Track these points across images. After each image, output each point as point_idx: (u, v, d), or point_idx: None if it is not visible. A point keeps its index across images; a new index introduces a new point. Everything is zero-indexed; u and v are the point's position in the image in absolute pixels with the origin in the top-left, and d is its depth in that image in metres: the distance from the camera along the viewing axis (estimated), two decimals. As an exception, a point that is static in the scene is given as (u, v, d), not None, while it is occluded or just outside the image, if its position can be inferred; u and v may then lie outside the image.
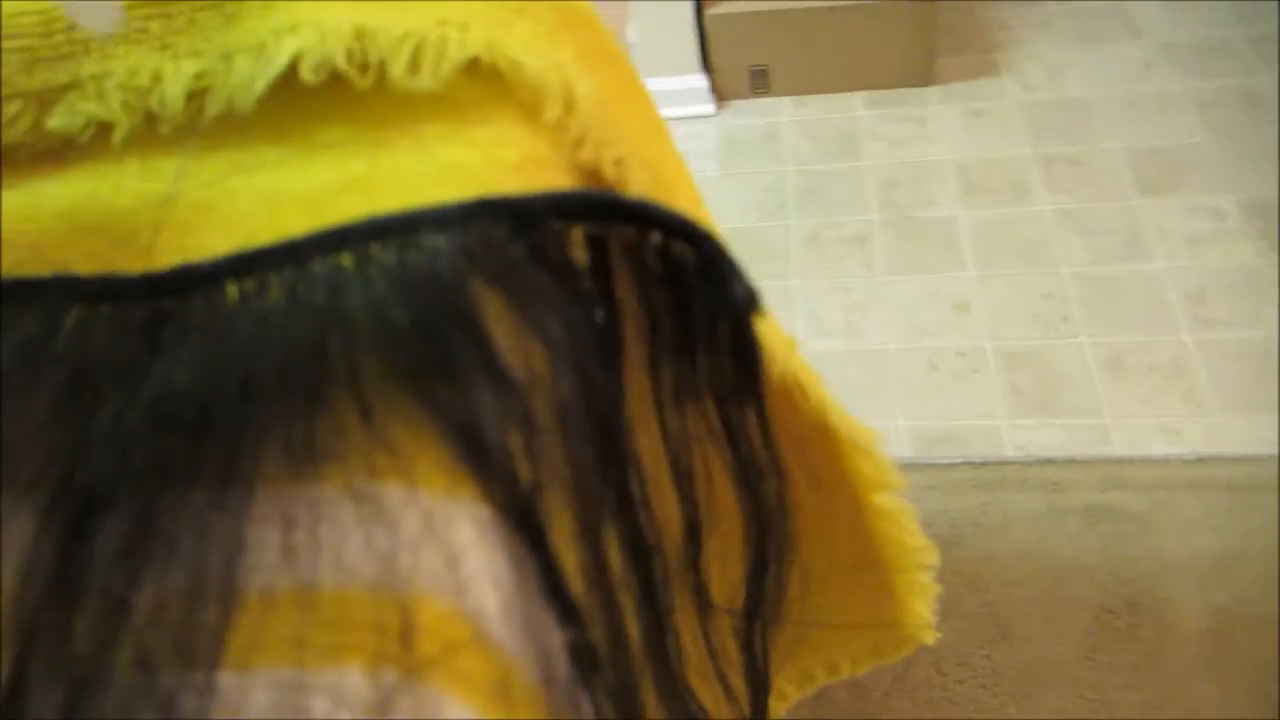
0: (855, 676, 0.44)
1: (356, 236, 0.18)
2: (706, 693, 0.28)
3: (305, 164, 0.21)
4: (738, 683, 0.31)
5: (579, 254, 0.20)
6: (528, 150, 0.22)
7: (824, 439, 0.28)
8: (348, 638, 0.16)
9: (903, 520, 0.32)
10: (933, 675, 1.05)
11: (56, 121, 0.22)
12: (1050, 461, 1.15)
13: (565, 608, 0.18)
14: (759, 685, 0.31)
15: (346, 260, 0.18)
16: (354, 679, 0.15)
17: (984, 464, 1.16)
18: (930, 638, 0.39)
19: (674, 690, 0.25)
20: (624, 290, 0.22)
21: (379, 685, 0.15)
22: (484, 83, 0.22)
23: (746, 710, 0.31)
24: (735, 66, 1.58)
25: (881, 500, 0.30)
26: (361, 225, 0.18)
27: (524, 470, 0.17)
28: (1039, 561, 1.10)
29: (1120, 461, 1.14)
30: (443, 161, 0.21)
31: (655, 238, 0.21)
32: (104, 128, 0.22)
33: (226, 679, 0.15)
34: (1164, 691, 1.00)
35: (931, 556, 0.34)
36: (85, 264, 0.20)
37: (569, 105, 0.22)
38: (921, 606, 0.37)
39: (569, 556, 0.18)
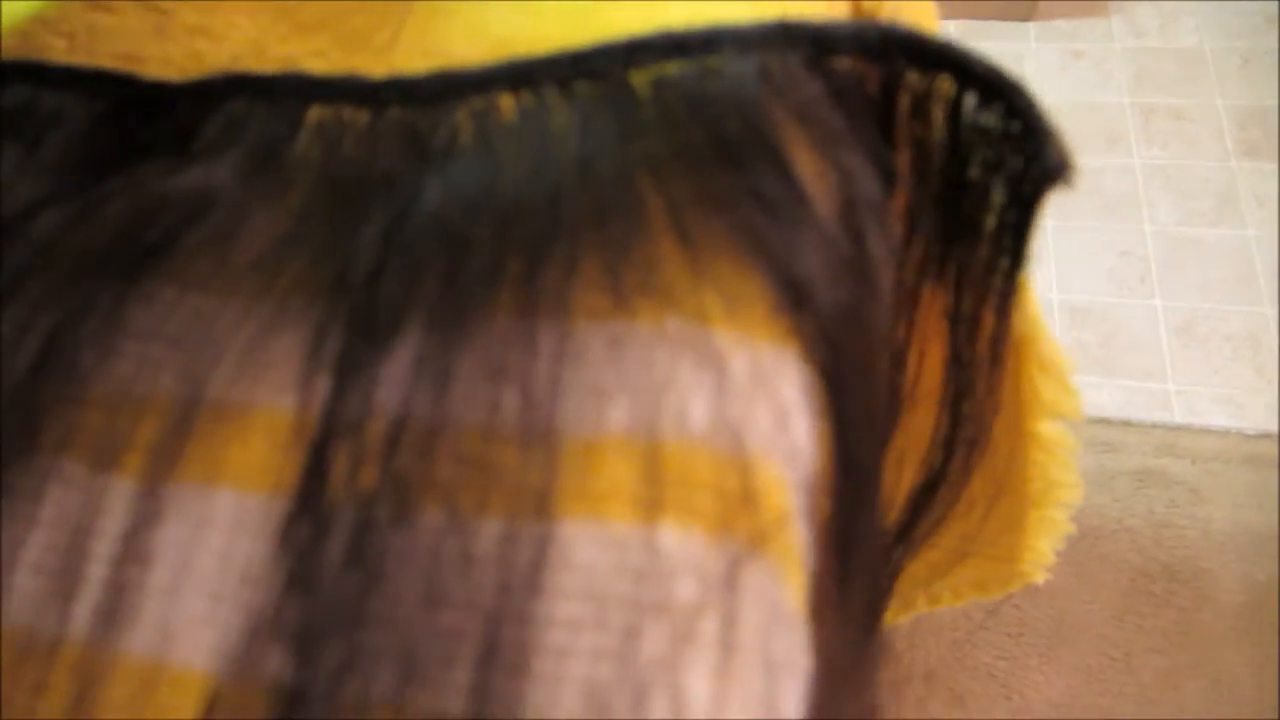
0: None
1: (649, 52, 0.16)
2: None
3: None
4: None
5: (873, 95, 0.18)
6: None
7: (1012, 354, 0.26)
8: (691, 496, 0.14)
9: (1059, 454, 0.30)
10: (959, 618, 1.06)
11: None
12: (1105, 421, 1.13)
13: (863, 488, 0.16)
14: (877, 606, 0.30)
15: (639, 78, 0.16)
16: (700, 544, 0.13)
17: (1038, 416, 1.14)
18: (1041, 577, 0.38)
19: None
20: (901, 143, 0.19)
21: (726, 554, 0.13)
22: None
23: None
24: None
25: (1047, 429, 0.29)
26: (653, 40, 0.16)
27: (837, 326, 0.16)
28: (1081, 519, 1.08)
29: (1178, 429, 1.12)
30: None
31: (947, 86, 0.18)
32: None
33: (554, 530, 0.13)
34: (1190, 658, 1.00)
35: (1076, 496, 0.33)
36: (312, 62, 0.18)
37: None
38: (1045, 545, 0.35)
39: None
